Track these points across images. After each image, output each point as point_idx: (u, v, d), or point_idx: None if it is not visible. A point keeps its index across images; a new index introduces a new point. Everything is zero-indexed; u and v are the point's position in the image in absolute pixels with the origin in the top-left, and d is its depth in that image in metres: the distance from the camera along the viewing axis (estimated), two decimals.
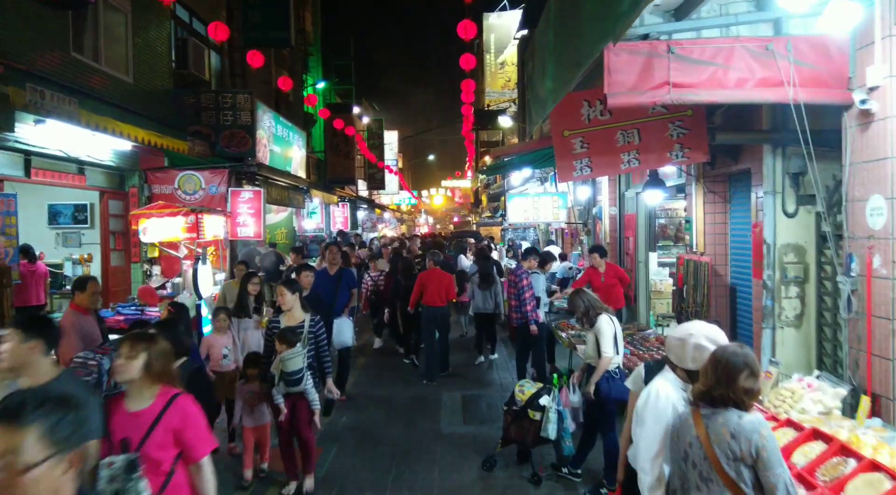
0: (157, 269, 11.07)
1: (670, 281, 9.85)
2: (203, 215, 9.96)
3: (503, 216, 19.58)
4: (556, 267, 14.65)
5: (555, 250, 14.42)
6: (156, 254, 10.60)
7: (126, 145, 9.68)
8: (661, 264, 10.27)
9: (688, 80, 4.36)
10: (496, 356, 10.25)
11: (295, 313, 5.31)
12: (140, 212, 9.78)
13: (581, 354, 6.74)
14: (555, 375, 5.22)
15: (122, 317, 8.03)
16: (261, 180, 12.75)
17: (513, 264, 13.80)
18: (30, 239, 10.96)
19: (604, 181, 11.23)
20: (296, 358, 4.94)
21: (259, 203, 11.68)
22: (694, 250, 7.24)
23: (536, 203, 13.06)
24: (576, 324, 8.25)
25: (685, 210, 7.80)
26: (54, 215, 11.38)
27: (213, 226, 10.47)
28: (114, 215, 10.75)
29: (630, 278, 9.20)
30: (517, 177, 15.96)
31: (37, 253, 9.56)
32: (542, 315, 8.14)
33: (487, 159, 16.47)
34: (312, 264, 10.25)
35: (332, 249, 8.15)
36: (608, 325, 5.09)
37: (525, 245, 16.62)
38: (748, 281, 6.54)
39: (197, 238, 9.93)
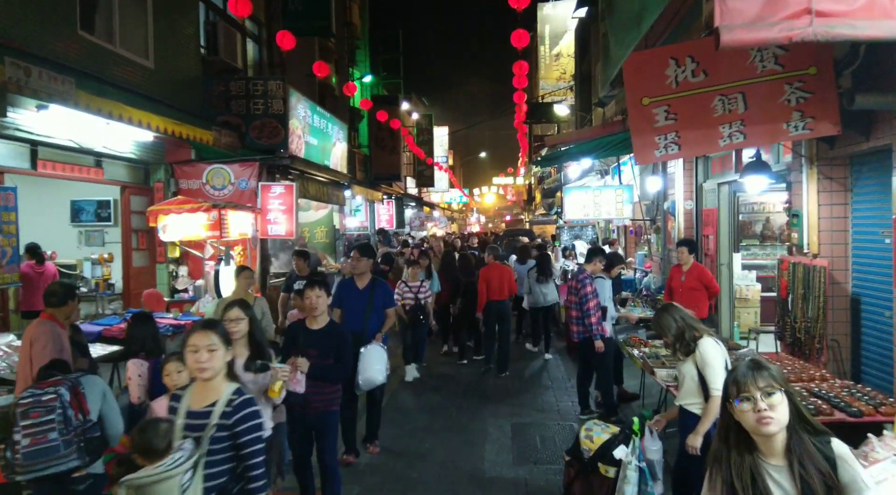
0: (184, 270, 10.26)
1: (758, 286, 8.39)
2: (227, 211, 9.08)
3: (558, 213, 18.20)
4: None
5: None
6: (177, 253, 9.76)
7: (145, 135, 8.85)
8: (745, 267, 8.82)
9: (837, 6, 3.03)
10: (550, 356, 9.94)
11: (214, 385, 2.76)
12: (158, 208, 8.98)
13: (660, 380, 5.42)
14: (635, 419, 3.93)
15: (124, 326, 7.10)
16: (296, 174, 11.81)
17: (570, 266, 12.47)
18: (52, 237, 10.32)
19: (677, 171, 9.78)
20: (164, 482, 2.51)
21: (291, 198, 10.71)
22: (805, 251, 5.79)
23: (597, 197, 11.68)
24: (648, 339, 6.94)
25: (787, 203, 6.34)
26: (77, 212, 10.69)
27: (240, 223, 9.60)
28: (136, 212, 9.96)
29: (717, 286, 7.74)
30: (575, 169, 14.58)
31: (48, 252, 8.81)
32: (608, 328, 6.84)
33: (544, 151, 15.17)
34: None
35: (355, 254, 6.19)
36: (716, 351, 3.75)
37: (578, 244, 15.25)
38: (881, 291, 5.08)
39: (220, 236, 9.06)
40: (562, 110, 17.80)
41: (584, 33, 19.30)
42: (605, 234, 16.35)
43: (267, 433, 3.41)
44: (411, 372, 8.83)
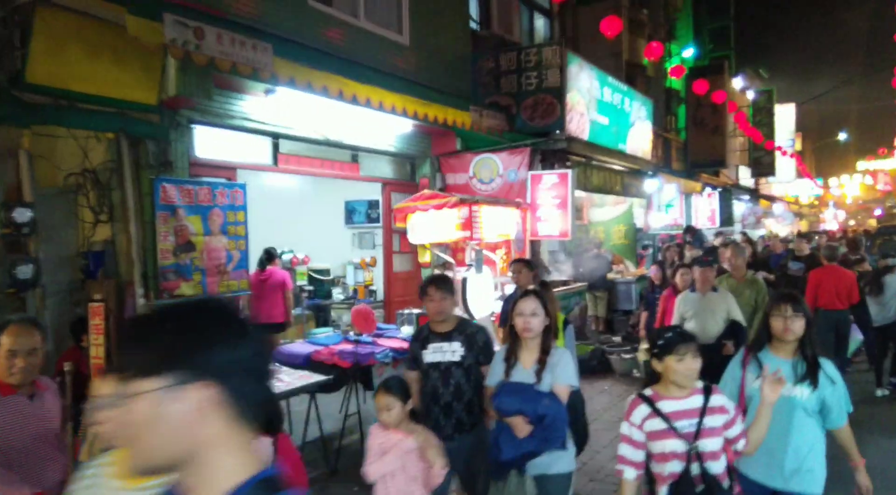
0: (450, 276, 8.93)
1: None
2: (479, 207, 7.40)
3: None
4: None
5: None
6: (426, 257, 8.40)
7: (403, 125, 7.86)
8: None
9: None
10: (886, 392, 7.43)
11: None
12: (403, 206, 7.72)
13: None
14: None
15: (337, 348, 5.74)
16: (577, 161, 9.60)
17: None
18: (330, 240, 10.00)
19: None
20: None
21: (566, 190, 8.57)
22: None
23: None
24: None
25: None
26: (350, 213, 10.15)
27: (498, 221, 7.85)
28: None
29: None
30: None
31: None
32: None
33: None
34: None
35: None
36: None
37: None
38: None
39: (471, 237, 7.42)
40: None
41: None
42: None
43: None
44: None
